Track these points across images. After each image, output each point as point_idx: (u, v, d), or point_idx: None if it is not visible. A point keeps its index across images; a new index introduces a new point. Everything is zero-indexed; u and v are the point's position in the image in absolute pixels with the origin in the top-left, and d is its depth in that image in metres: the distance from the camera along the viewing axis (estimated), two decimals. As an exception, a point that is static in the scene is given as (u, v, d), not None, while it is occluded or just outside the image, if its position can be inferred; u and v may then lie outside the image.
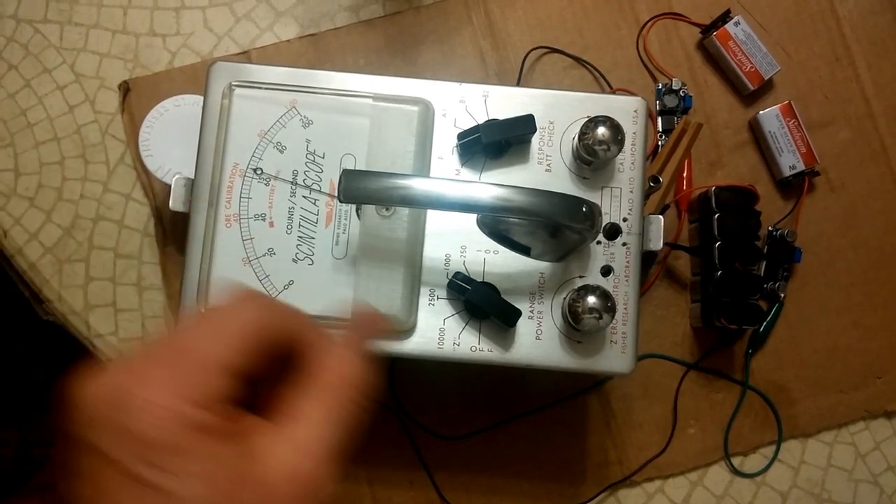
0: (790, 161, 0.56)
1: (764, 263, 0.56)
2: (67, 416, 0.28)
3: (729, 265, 0.53)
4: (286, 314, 0.31)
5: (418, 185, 0.38)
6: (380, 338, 0.35)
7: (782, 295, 0.56)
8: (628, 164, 0.45)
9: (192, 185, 0.44)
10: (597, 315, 0.41)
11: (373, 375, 0.30)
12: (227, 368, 0.28)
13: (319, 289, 0.43)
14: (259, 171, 0.44)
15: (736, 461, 0.56)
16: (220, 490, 0.26)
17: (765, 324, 0.56)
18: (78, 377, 0.28)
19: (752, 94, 0.58)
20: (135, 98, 0.57)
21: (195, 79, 0.56)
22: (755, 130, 0.58)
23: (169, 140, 0.50)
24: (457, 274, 0.43)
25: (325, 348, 0.31)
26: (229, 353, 0.28)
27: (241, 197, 0.44)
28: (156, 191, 0.56)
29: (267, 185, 0.44)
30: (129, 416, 0.26)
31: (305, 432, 0.28)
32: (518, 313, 0.42)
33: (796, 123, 0.56)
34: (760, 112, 0.57)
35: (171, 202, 0.45)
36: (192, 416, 0.27)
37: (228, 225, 0.43)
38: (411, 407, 0.55)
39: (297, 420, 0.29)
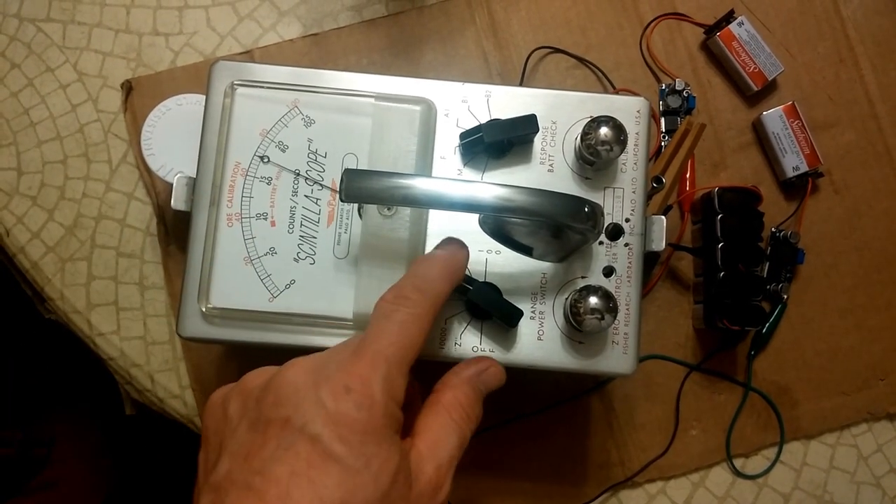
0: (794, 162, 0.56)
1: (767, 265, 0.56)
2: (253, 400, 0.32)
3: (732, 266, 0.52)
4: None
5: (420, 185, 0.38)
6: (494, 387, 0.39)
7: (785, 296, 0.56)
8: (631, 165, 0.45)
9: (193, 184, 0.44)
10: (599, 316, 0.41)
11: (481, 411, 0.36)
12: (409, 366, 0.33)
13: (321, 288, 0.43)
14: (266, 159, 0.43)
15: (738, 462, 0.56)
16: (388, 482, 0.30)
17: (767, 325, 0.56)
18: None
19: (755, 94, 0.58)
20: (137, 97, 0.57)
21: (198, 78, 0.56)
22: (759, 131, 0.58)
23: (171, 139, 0.50)
24: None
25: (449, 378, 0.37)
26: (413, 353, 0.33)
27: (242, 196, 0.44)
28: (158, 190, 0.56)
29: (268, 184, 0.44)
30: (334, 398, 0.30)
31: (444, 452, 0.33)
32: (520, 314, 0.42)
33: (800, 124, 0.56)
34: (764, 113, 0.57)
35: (172, 201, 0.45)
36: (394, 412, 0.31)
37: (230, 224, 0.43)
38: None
39: (433, 437, 0.34)
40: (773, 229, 0.56)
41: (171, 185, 0.46)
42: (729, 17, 0.57)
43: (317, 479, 0.29)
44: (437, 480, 0.32)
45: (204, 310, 0.43)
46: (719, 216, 0.53)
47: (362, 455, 0.29)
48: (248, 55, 0.57)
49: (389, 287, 0.36)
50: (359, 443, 0.29)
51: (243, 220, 0.43)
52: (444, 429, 0.34)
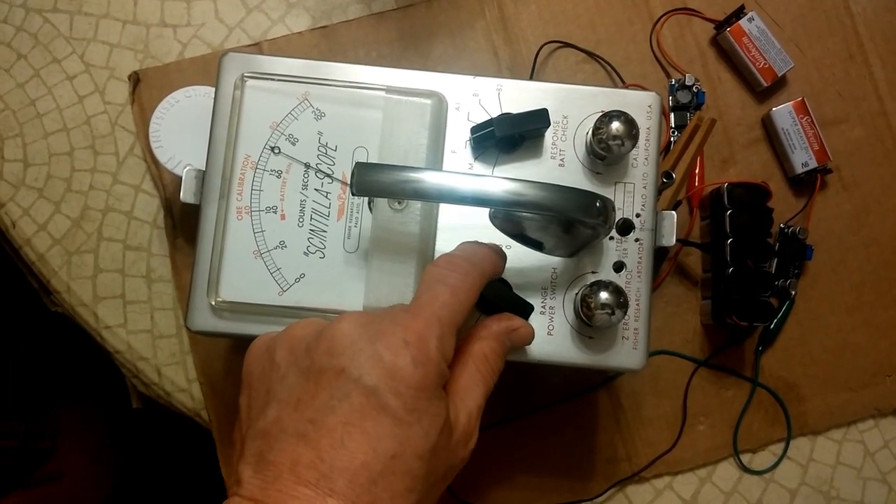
0: (803, 158, 0.56)
1: (775, 261, 0.56)
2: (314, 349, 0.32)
3: (741, 262, 0.52)
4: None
5: (431, 179, 0.38)
6: (520, 346, 0.40)
7: (793, 292, 0.56)
8: (642, 160, 0.45)
9: (203, 177, 0.44)
10: (609, 311, 0.41)
11: (504, 364, 0.38)
12: (458, 329, 0.34)
13: (331, 282, 0.43)
14: (277, 151, 0.43)
15: (745, 458, 0.56)
16: (436, 435, 0.31)
17: (775, 321, 0.56)
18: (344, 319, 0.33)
19: (765, 90, 0.57)
20: (145, 89, 0.56)
21: (206, 70, 0.56)
22: (768, 127, 0.57)
23: (179, 131, 0.50)
24: None
25: (479, 330, 0.38)
26: (463, 316, 0.34)
27: (252, 189, 0.43)
28: (165, 182, 0.55)
29: (279, 177, 0.43)
30: (391, 351, 0.31)
31: (473, 401, 0.35)
32: (531, 308, 0.42)
33: (809, 120, 0.56)
34: (773, 109, 0.56)
35: (181, 194, 0.45)
36: (444, 371, 0.32)
37: (239, 217, 0.43)
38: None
39: (463, 386, 0.35)
40: (781, 225, 0.56)
41: (179, 177, 0.46)
42: (739, 13, 0.57)
43: (371, 430, 0.29)
44: (469, 428, 0.34)
45: (213, 303, 0.43)
46: (728, 212, 0.53)
47: (415, 410, 0.30)
48: (257, 47, 0.57)
49: (440, 256, 0.37)
50: (412, 398, 0.30)
51: (253, 213, 0.43)
52: (472, 378, 0.35)
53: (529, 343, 0.40)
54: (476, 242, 0.39)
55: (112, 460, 0.94)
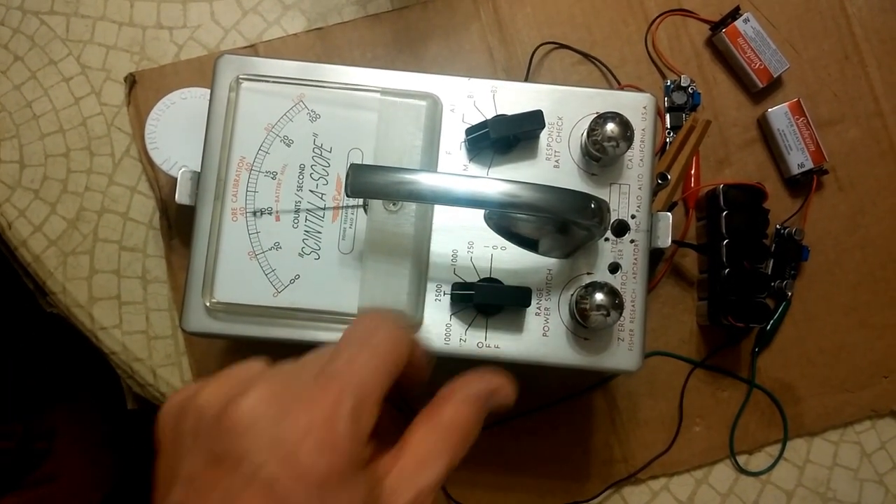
0: (798, 159, 0.56)
1: (771, 262, 0.56)
2: (205, 428, 0.28)
3: (737, 263, 0.52)
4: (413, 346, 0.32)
5: (426, 180, 0.38)
6: (500, 408, 0.34)
7: (789, 293, 0.56)
8: (637, 161, 0.45)
9: (198, 179, 0.44)
10: (604, 312, 0.41)
11: (478, 431, 0.32)
12: (380, 400, 0.29)
13: (325, 283, 0.43)
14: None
15: (741, 459, 0.56)
16: None
17: (772, 322, 0.56)
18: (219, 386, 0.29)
19: (760, 91, 0.57)
20: (141, 91, 0.56)
21: (201, 72, 0.56)
22: (764, 128, 0.58)
23: (175, 133, 0.50)
24: (455, 285, 0.43)
25: (455, 391, 0.32)
26: (386, 385, 0.29)
27: (247, 190, 0.43)
28: (161, 184, 0.55)
29: (273, 178, 0.43)
30: (295, 437, 0.26)
31: (426, 478, 0.29)
32: (528, 291, 0.42)
33: (805, 121, 0.56)
34: (769, 109, 0.56)
35: (177, 195, 0.45)
36: (359, 453, 0.27)
37: (234, 219, 0.43)
38: (417, 404, 0.54)
39: (420, 457, 0.30)
40: (777, 226, 0.56)
41: (175, 179, 0.46)
42: (734, 14, 0.57)
43: None
44: None
45: (208, 304, 0.42)
46: (724, 213, 0.53)
47: (322, 502, 0.26)
48: (252, 49, 0.57)
49: (364, 314, 0.32)
50: (317, 488, 0.26)
51: (248, 214, 0.43)
52: (433, 451, 0.30)
53: (511, 404, 0.34)
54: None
55: (109, 461, 0.94)
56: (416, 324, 0.43)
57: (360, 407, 0.28)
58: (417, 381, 0.34)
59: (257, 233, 0.43)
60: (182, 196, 0.45)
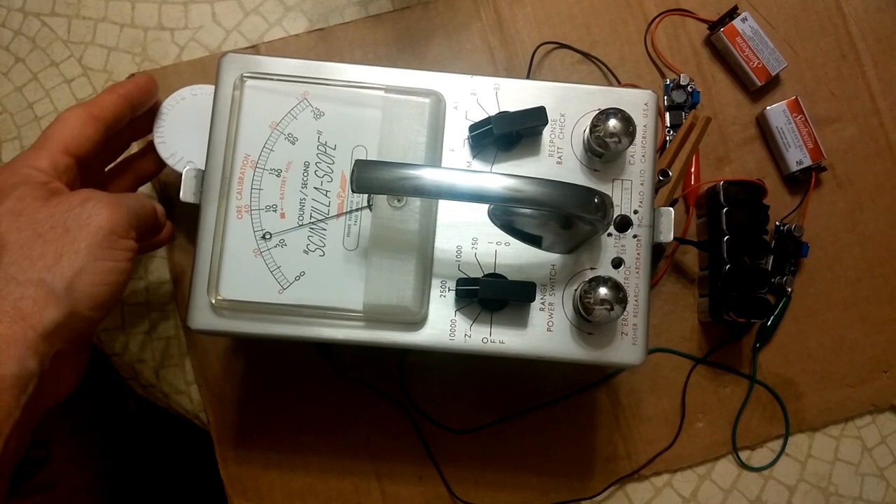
0: (797, 156, 0.57)
1: (771, 258, 0.56)
2: None
3: (737, 259, 0.53)
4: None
5: (430, 175, 0.38)
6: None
7: (789, 289, 0.56)
8: (639, 157, 0.45)
9: (202, 177, 0.44)
10: (608, 306, 0.41)
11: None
12: (69, 153, 0.43)
13: (330, 280, 0.43)
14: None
15: (743, 455, 0.56)
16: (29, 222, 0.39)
17: (772, 318, 0.56)
18: None
19: (759, 89, 0.58)
20: (143, 92, 0.56)
21: (203, 73, 0.56)
22: (762, 126, 0.58)
23: (184, 129, 0.50)
24: (459, 281, 0.43)
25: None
26: (74, 144, 0.43)
27: (252, 188, 0.44)
28: (164, 182, 0.56)
29: (278, 176, 0.44)
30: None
31: (117, 198, 0.41)
32: (532, 286, 0.42)
33: (803, 119, 0.57)
34: (768, 108, 0.57)
35: (181, 193, 0.45)
36: (38, 177, 0.41)
37: (239, 216, 0.43)
38: (420, 400, 0.55)
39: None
40: (776, 223, 0.56)
41: (178, 174, 0.46)
42: (732, 13, 0.57)
43: None
44: (112, 215, 0.40)
45: (213, 302, 0.43)
46: (725, 209, 0.53)
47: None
48: (254, 50, 0.57)
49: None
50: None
51: (252, 212, 0.43)
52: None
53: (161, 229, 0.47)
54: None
55: (107, 467, 0.94)
56: (421, 319, 0.43)
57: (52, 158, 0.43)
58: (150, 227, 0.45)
59: (262, 230, 0.43)
60: (186, 194, 0.45)
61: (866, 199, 0.58)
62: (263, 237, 0.43)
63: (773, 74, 0.57)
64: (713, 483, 0.56)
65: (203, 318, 0.43)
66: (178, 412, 0.56)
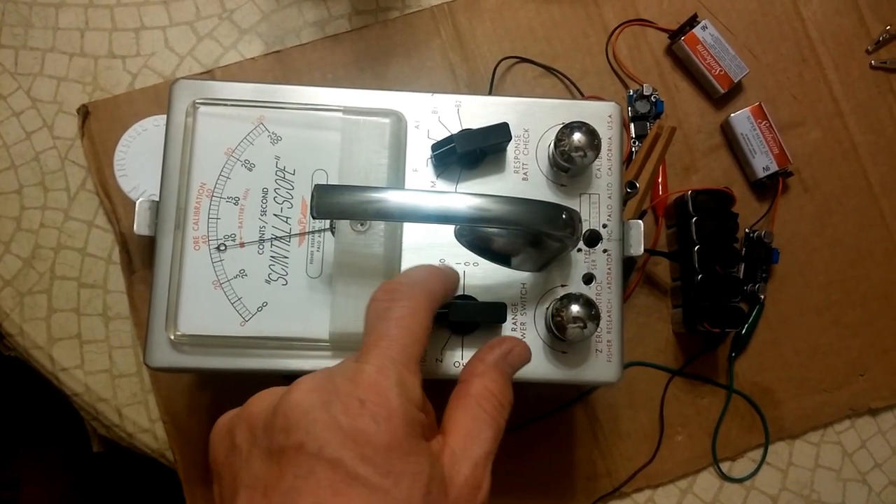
0: (763, 162, 0.56)
1: (742, 266, 0.56)
2: (257, 431, 0.29)
3: (709, 268, 0.52)
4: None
5: (393, 198, 0.37)
6: (521, 366, 0.36)
7: (762, 296, 0.56)
8: (605, 170, 0.44)
9: (157, 208, 0.42)
10: (581, 324, 0.40)
11: (512, 395, 0.34)
12: (419, 362, 0.31)
13: (295, 309, 0.42)
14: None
15: (724, 466, 0.55)
16: (423, 493, 0.27)
17: (746, 326, 0.55)
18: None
19: (722, 97, 0.58)
20: (95, 122, 0.55)
21: (157, 100, 0.55)
22: (727, 133, 0.58)
23: (145, 160, 0.48)
24: None
25: (475, 366, 0.34)
26: (420, 348, 0.31)
27: (209, 218, 0.42)
28: (120, 216, 0.54)
29: (236, 204, 0.42)
30: (347, 414, 0.27)
31: (479, 448, 0.31)
32: (503, 306, 0.41)
33: (767, 125, 0.56)
34: (732, 115, 0.57)
35: (135, 226, 0.43)
36: (416, 417, 0.29)
37: (197, 247, 0.42)
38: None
39: (465, 432, 0.31)
40: (746, 230, 0.56)
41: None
42: (692, 22, 0.57)
43: None
44: (475, 480, 0.30)
45: (172, 337, 0.41)
46: (694, 219, 0.53)
47: (390, 473, 0.27)
48: (210, 75, 0.56)
49: (378, 288, 0.34)
50: (383, 459, 0.27)
51: (210, 242, 0.42)
52: (476, 422, 0.32)
53: (529, 359, 0.37)
54: (420, 265, 0.36)
55: (77, 508, 0.91)
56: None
57: (404, 372, 0.29)
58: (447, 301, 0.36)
59: (221, 261, 0.42)
60: (141, 227, 0.43)
61: (834, 201, 0.58)
62: (223, 268, 0.42)
63: (735, 81, 0.57)
64: (695, 496, 0.55)
65: (162, 355, 0.41)
66: (143, 451, 0.54)
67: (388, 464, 0.27)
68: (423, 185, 0.43)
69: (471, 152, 0.43)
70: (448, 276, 0.36)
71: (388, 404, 0.28)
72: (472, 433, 0.31)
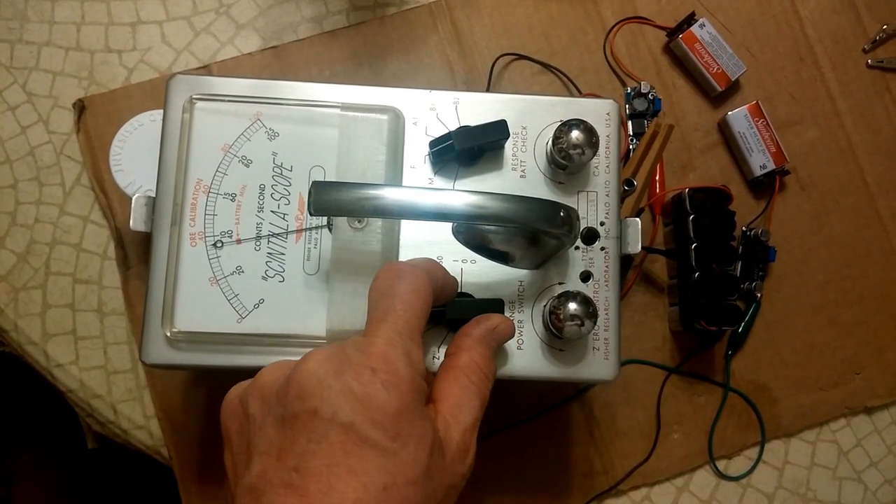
0: (760, 161, 0.56)
1: (739, 264, 0.56)
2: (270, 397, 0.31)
3: (706, 266, 0.52)
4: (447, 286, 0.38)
5: (391, 195, 0.37)
6: (505, 341, 0.39)
7: (759, 295, 0.56)
8: (603, 168, 0.44)
9: (153, 204, 0.42)
10: (578, 322, 0.40)
11: (496, 368, 0.37)
12: (422, 335, 0.33)
13: (291, 306, 0.41)
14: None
15: (721, 464, 0.55)
16: (426, 458, 0.30)
17: (743, 324, 0.56)
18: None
19: (719, 95, 0.58)
20: (90, 116, 0.55)
21: (154, 95, 0.55)
22: (725, 131, 0.58)
23: (141, 156, 0.48)
24: None
25: (462, 340, 0.37)
26: (422, 322, 0.34)
27: (205, 214, 0.42)
28: (115, 211, 0.53)
29: (232, 200, 0.42)
30: (360, 382, 0.29)
31: (467, 416, 0.33)
32: (500, 303, 0.41)
33: (765, 123, 0.56)
34: (729, 113, 0.57)
35: (131, 222, 0.43)
36: (421, 385, 0.31)
37: (193, 244, 0.42)
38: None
39: (455, 401, 0.34)
40: (743, 228, 0.56)
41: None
42: (690, 20, 0.57)
43: (356, 466, 0.28)
44: (465, 444, 0.33)
45: (168, 334, 0.41)
46: (691, 217, 0.53)
47: (398, 436, 0.29)
48: (206, 70, 0.56)
49: (381, 269, 0.35)
50: (392, 424, 0.29)
51: (207, 238, 0.42)
52: (465, 392, 0.34)
53: (513, 335, 0.40)
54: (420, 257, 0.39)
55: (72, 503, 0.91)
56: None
57: (410, 344, 0.32)
58: (445, 300, 0.39)
59: (217, 258, 0.42)
60: (137, 223, 0.43)
61: (830, 200, 0.58)
62: (219, 264, 0.41)
63: (732, 79, 0.57)
64: (692, 494, 0.55)
65: (158, 351, 0.41)
66: (138, 448, 0.54)
67: (396, 428, 0.29)
68: (421, 182, 0.43)
69: (468, 149, 0.42)
70: (447, 272, 0.38)
71: (396, 373, 0.30)
72: (461, 402, 0.34)
